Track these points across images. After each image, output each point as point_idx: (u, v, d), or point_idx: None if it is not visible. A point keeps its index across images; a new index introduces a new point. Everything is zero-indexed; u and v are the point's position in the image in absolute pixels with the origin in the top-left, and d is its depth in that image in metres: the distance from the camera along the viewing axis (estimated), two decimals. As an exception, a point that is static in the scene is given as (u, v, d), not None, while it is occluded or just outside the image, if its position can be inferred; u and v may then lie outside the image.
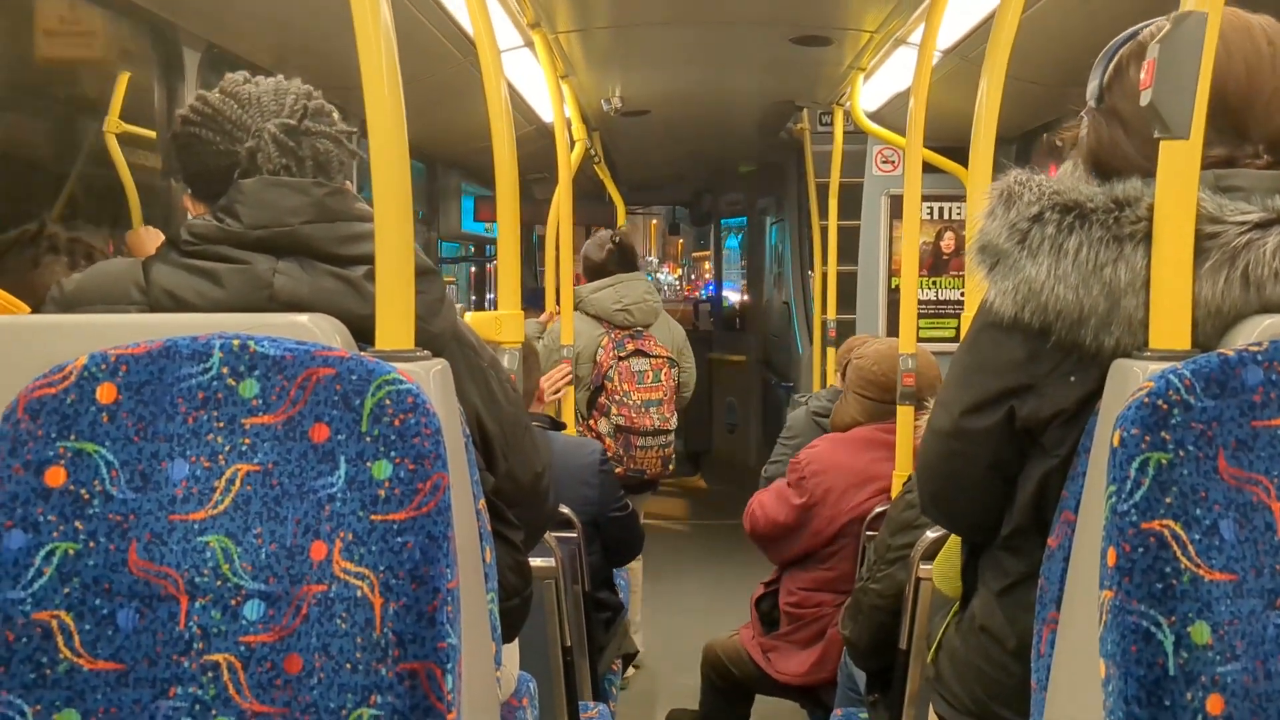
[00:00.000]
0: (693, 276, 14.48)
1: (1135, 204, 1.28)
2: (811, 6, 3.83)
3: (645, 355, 4.33)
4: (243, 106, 1.54)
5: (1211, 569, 1.07)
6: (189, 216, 1.59)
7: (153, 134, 3.34)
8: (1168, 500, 1.08)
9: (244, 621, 1.15)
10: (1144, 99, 1.22)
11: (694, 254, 14.36)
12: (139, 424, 1.18)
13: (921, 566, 2.27)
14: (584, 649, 2.78)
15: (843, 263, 5.20)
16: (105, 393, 1.18)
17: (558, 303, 4.16)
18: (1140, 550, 1.08)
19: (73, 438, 1.17)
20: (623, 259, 4.52)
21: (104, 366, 1.19)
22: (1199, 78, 1.18)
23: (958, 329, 5.06)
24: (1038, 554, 1.40)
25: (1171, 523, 1.08)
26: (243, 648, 1.15)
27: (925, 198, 4.79)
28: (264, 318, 1.31)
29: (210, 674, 1.15)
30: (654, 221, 15.92)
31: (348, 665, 1.14)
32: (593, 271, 4.52)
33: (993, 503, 1.48)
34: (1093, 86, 1.44)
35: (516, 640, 1.94)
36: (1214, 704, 1.05)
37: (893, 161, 5.35)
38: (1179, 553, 1.07)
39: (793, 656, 3.28)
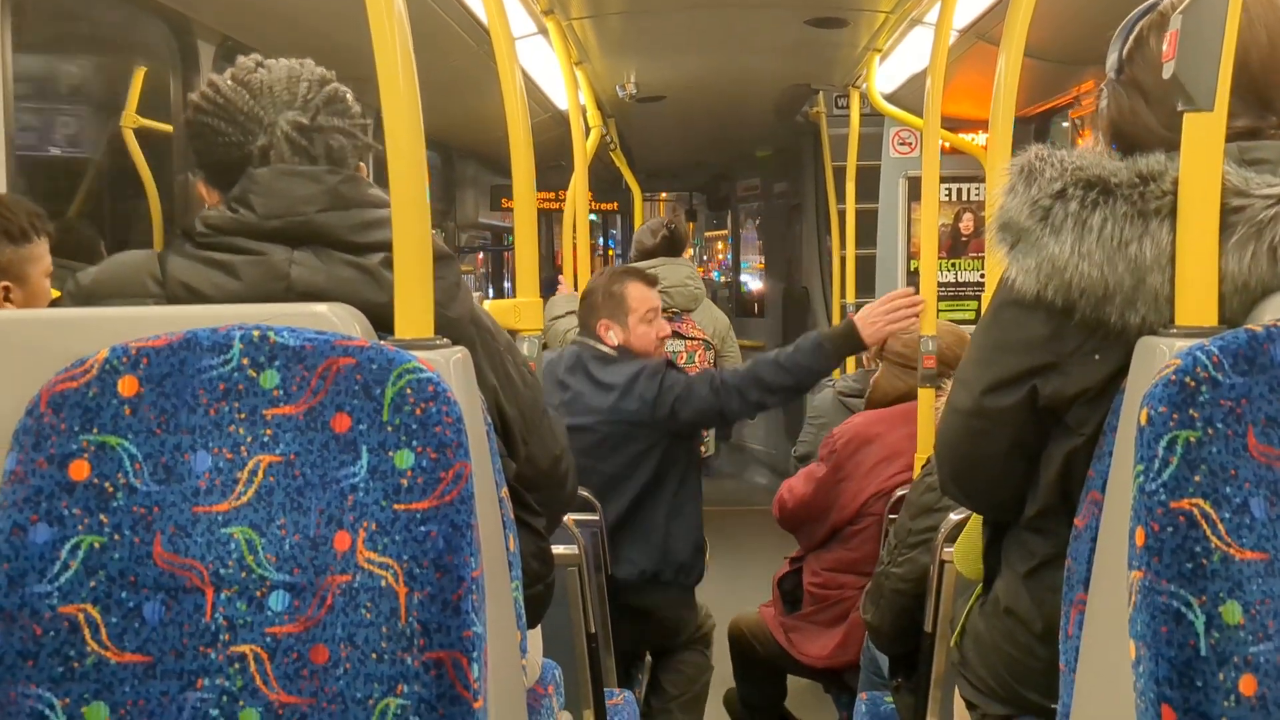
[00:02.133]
0: (704, 257, 13.97)
1: (1160, 178, 1.26)
2: (826, -13, 3.82)
3: (681, 337, 4.38)
4: (255, 96, 1.52)
5: (1242, 548, 1.06)
6: (204, 203, 1.59)
7: (169, 128, 3.36)
8: (1197, 479, 1.07)
9: (269, 613, 1.15)
10: (1166, 71, 1.21)
11: (706, 233, 13.83)
12: (161, 416, 1.18)
13: (945, 549, 2.26)
14: (608, 636, 2.78)
15: (861, 246, 5.18)
16: (127, 386, 1.18)
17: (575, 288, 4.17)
18: (1169, 530, 1.06)
19: (95, 431, 1.18)
20: (672, 245, 4.60)
21: (125, 359, 1.19)
22: (1222, 49, 1.17)
23: (977, 310, 5.04)
24: (1064, 534, 1.39)
25: (1201, 501, 1.06)
26: (269, 639, 1.15)
27: (943, 179, 4.76)
28: (283, 308, 1.31)
29: (237, 665, 1.15)
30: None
31: (374, 655, 1.14)
32: (643, 256, 4.59)
33: (1013, 482, 1.47)
34: (1113, 59, 1.42)
35: (540, 627, 1.94)
36: (1247, 684, 1.04)
37: (910, 143, 5.32)
38: (1209, 531, 1.06)
39: (815, 639, 3.27)
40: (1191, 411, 1.08)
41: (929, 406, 2.79)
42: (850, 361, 5.13)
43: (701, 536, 3.24)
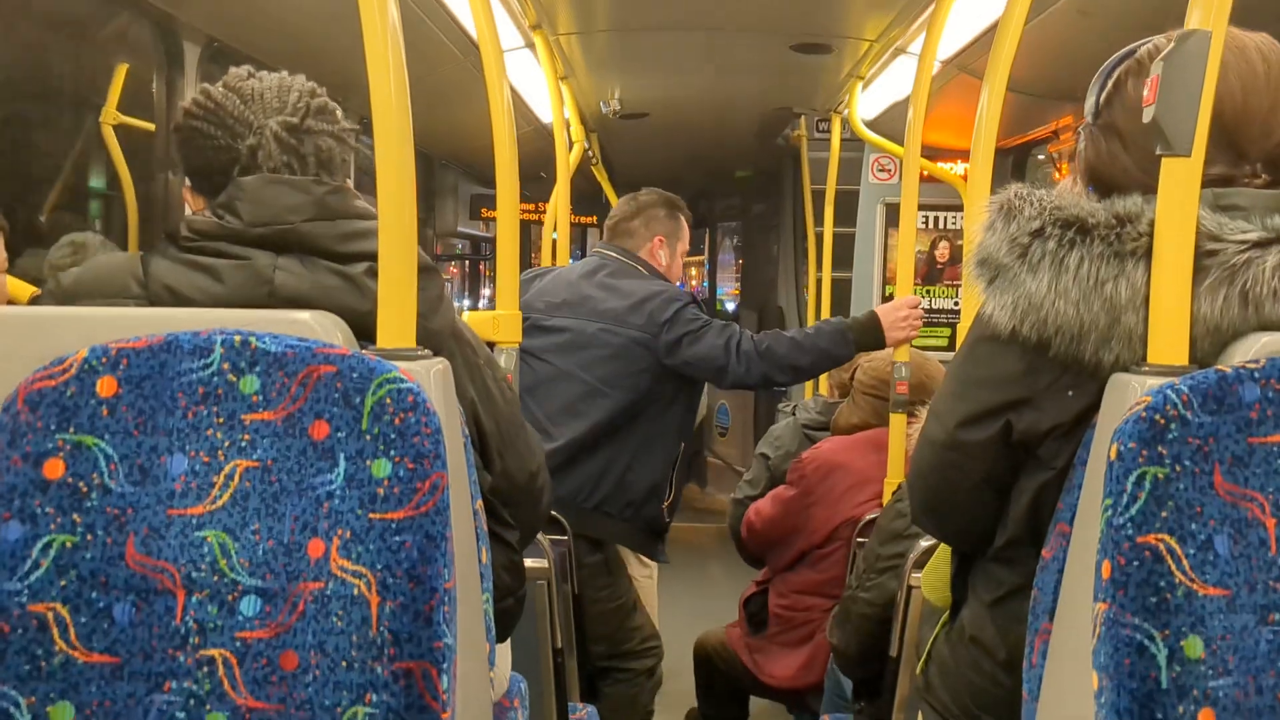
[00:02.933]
0: (680, 285, 14.19)
1: (1136, 220, 1.29)
2: (812, 14, 3.84)
3: None
4: (245, 102, 1.54)
5: (1205, 584, 1.08)
6: (188, 210, 1.59)
7: (151, 126, 3.34)
8: (1163, 514, 1.09)
9: (240, 617, 1.15)
10: (1146, 116, 1.23)
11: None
12: (139, 418, 1.18)
13: (913, 575, 2.28)
14: (574, 650, 2.78)
15: (837, 269, 5.21)
16: (105, 386, 1.18)
17: None
18: (1135, 563, 1.08)
19: (72, 430, 1.17)
20: None
21: (104, 360, 1.19)
22: (1202, 96, 1.19)
23: (950, 337, 5.08)
24: (1031, 565, 1.40)
25: (1167, 537, 1.08)
26: (239, 643, 1.15)
27: (921, 207, 4.79)
28: (266, 314, 1.31)
29: (206, 669, 1.15)
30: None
31: (344, 663, 1.14)
32: None
33: (984, 513, 1.48)
34: (1091, 102, 1.45)
35: (508, 641, 1.94)
36: (1205, 718, 1.06)
37: (889, 170, 5.36)
38: (1173, 567, 1.08)
39: (780, 659, 3.28)
40: (1160, 448, 1.10)
41: (900, 432, 2.81)
42: (808, 388, 5.15)
43: (665, 482, 3.06)
